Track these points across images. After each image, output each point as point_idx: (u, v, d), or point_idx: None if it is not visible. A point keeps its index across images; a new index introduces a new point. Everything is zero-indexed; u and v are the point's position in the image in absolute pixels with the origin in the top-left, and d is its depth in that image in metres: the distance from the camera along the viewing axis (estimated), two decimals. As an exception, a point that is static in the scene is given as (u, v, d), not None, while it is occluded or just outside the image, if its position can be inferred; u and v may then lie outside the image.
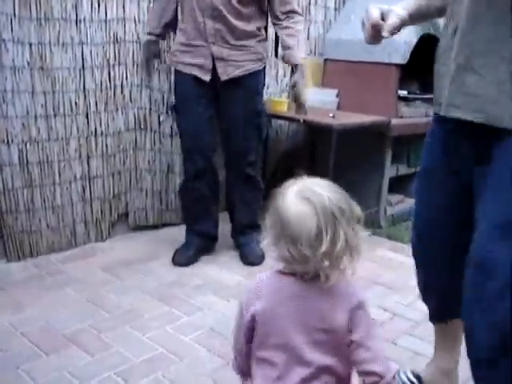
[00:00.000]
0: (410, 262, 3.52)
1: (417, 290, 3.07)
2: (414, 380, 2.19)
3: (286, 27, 3.17)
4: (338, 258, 1.37)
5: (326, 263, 1.35)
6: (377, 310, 2.91)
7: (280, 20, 3.17)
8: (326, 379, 1.42)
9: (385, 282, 3.26)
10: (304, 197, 1.37)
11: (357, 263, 1.42)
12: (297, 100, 3.31)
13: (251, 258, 3.34)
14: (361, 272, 3.31)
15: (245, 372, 1.58)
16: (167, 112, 3.60)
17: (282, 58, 3.31)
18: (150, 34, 3.32)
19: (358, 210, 1.45)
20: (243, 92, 3.15)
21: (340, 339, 1.41)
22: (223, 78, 3.08)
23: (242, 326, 1.50)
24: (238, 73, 3.10)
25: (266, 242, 1.43)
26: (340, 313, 1.40)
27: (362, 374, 1.41)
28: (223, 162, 3.41)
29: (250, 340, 1.49)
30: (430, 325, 2.75)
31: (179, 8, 3.15)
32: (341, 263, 1.39)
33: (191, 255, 3.36)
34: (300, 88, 3.24)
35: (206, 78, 3.10)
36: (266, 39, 3.27)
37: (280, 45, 3.28)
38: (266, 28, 3.28)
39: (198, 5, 2.99)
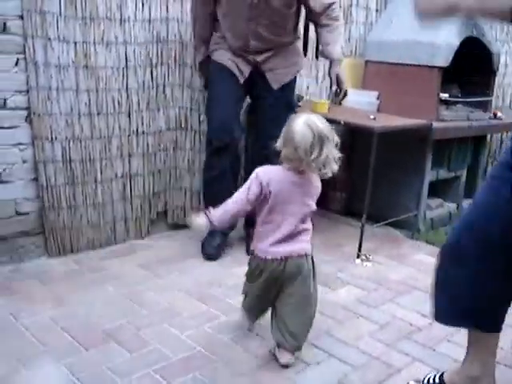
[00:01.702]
0: (449, 267, 3.51)
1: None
2: None
3: (326, 25, 3.26)
4: (320, 164, 2.18)
5: (313, 165, 2.19)
6: (415, 315, 2.88)
7: (320, 16, 3.25)
8: (305, 225, 2.37)
9: (423, 287, 3.21)
10: (307, 123, 2.18)
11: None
12: (339, 86, 3.40)
13: None
14: (399, 276, 3.35)
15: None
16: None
17: (321, 54, 3.39)
18: (201, 59, 3.43)
19: (336, 138, 2.22)
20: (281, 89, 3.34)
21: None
22: (276, 86, 3.31)
23: (256, 193, 2.25)
24: (286, 80, 3.35)
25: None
26: (316, 195, 2.37)
27: None
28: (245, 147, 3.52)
29: (254, 203, 2.28)
30: (471, 331, 2.73)
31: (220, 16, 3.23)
32: (321, 168, 2.20)
33: (218, 244, 3.40)
34: (341, 76, 3.36)
35: (241, 79, 3.28)
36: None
37: (320, 41, 3.36)
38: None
39: (242, 16, 3.10)
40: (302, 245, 2.34)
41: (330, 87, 3.34)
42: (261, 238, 2.34)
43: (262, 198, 2.26)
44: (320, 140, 2.15)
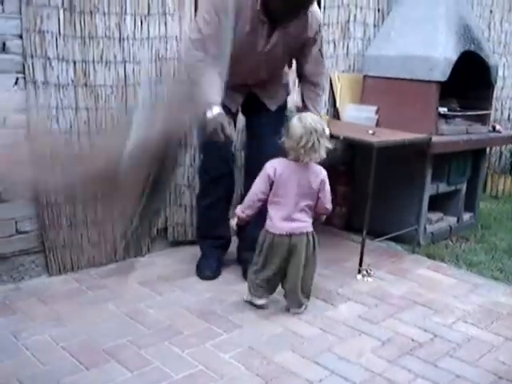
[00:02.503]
0: (449, 281, 3.54)
1: (457, 311, 3.06)
2: None
3: (312, 93, 3.36)
4: (310, 151, 2.76)
5: (302, 151, 2.76)
6: (417, 331, 2.88)
7: (308, 84, 3.34)
8: (306, 208, 2.90)
9: (425, 301, 3.21)
10: (299, 119, 2.80)
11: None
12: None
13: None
14: (400, 291, 3.35)
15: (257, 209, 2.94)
16: None
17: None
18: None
19: (327, 131, 2.82)
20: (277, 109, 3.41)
21: (314, 194, 2.90)
22: (273, 108, 3.38)
23: (267, 182, 2.85)
24: (282, 101, 3.43)
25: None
26: (316, 182, 2.88)
27: (317, 213, 3.00)
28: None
29: (269, 192, 2.86)
30: (472, 347, 2.74)
31: None
32: (312, 155, 2.78)
33: (215, 265, 3.40)
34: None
35: (233, 108, 3.29)
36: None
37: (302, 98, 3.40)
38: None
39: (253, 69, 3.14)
40: (302, 224, 2.89)
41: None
42: (271, 217, 2.89)
43: (271, 184, 2.86)
44: (308, 132, 2.74)
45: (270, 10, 2.91)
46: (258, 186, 2.89)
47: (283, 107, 3.47)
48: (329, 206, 2.98)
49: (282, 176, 2.84)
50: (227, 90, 3.18)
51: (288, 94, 3.55)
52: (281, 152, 2.91)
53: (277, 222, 2.87)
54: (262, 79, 3.27)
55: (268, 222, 2.90)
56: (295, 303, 2.98)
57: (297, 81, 3.55)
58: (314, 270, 3.02)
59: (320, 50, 3.27)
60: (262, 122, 3.36)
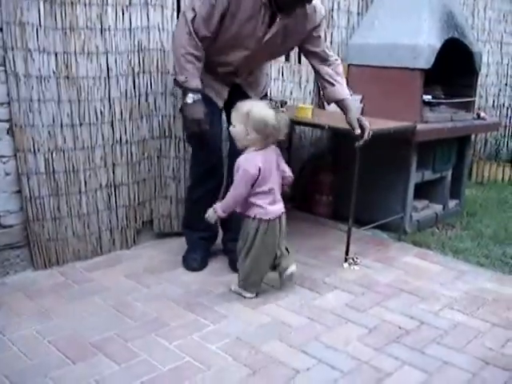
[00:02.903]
0: (436, 268, 3.56)
1: (443, 298, 3.07)
2: None
3: (330, 64, 3.28)
4: (277, 135, 2.87)
5: (271, 138, 2.87)
6: (403, 318, 2.88)
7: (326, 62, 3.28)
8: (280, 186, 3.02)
9: (411, 289, 3.22)
10: (259, 109, 2.82)
11: None
12: (363, 132, 3.26)
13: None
14: (387, 279, 3.35)
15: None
16: None
17: (328, 97, 3.37)
18: (196, 91, 3.00)
19: (273, 127, 2.82)
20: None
21: (280, 170, 3.02)
22: (255, 99, 3.24)
23: (251, 183, 2.86)
24: (264, 91, 3.47)
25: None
26: (279, 159, 3.00)
27: (283, 186, 3.08)
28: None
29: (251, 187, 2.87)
30: (459, 333, 2.76)
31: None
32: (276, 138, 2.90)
33: (200, 257, 3.39)
34: (363, 121, 3.28)
35: (220, 104, 3.27)
36: None
37: (324, 81, 3.31)
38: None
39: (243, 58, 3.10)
40: (282, 202, 3.03)
41: (353, 133, 3.26)
42: (260, 205, 2.91)
43: (254, 181, 2.87)
44: (272, 117, 2.80)
45: None
46: (242, 189, 2.87)
47: (264, 98, 3.44)
48: (291, 173, 3.10)
49: (264, 170, 2.87)
50: (213, 82, 3.18)
51: (268, 85, 3.55)
52: None
53: (269, 208, 2.92)
54: (252, 68, 3.25)
55: (259, 211, 2.91)
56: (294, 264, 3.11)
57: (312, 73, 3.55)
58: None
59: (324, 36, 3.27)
60: None
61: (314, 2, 3.00)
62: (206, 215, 2.96)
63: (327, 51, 3.27)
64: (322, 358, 2.49)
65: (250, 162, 2.85)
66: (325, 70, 3.26)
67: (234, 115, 2.88)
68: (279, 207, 2.98)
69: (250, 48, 3.05)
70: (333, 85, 3.27)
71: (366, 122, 3.26)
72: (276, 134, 2.86)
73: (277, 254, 3.04)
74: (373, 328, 2.78)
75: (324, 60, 3.26)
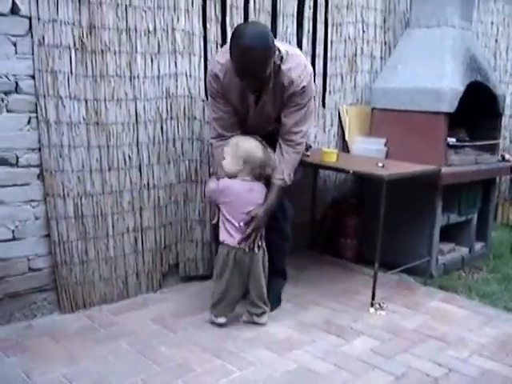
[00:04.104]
0: (463, 313, 3.51)
1: (471, 344, 3.02)
2: None
3: (287, 152, 3.20)
4: (248, 171, 3.03)
5: (258, 170, 3.03)
6: (431, 365, 2.85)
7: (283, 141, 3.21)
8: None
9: (438, 335, 3.18)
10: (252, 145, 3.03)
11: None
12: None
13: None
14: (414, 325, 3.32)
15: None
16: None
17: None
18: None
19: (259, 159, 3.02)
20: None
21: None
22: None
23: (218, 199, 3.08)
24: None
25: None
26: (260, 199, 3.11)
27: None
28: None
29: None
30: (488, 381, 2.70)
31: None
32: (250, 173, 3.04)
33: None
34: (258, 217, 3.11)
35: None
36: None
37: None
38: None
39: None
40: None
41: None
42: (229, 231, 3.06)
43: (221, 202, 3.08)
44: (261, 152, 3.02)
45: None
46: (208, 193, 3.19)
47: None
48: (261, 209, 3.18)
49: (234, 199, 3.08)
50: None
51: None
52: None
53: (237, 238, 3.06)
54: (269, 130, 3.30)
55: (230, 238, 3.07)
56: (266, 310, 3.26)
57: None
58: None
59: (304, 108, 3.14)
60: None
61: (292, 75, 3.02)
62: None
63: (296, 130, 3.17)
64: (349, 406, 2.46)
65: (222, 181, 3.08)
66: (284, 149, 3.20)
67: (225, 149, 3.08)
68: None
69: (252, 119, 3.22)
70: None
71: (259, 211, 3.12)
72: (261, 166, 3.03)
73: (249, 285, 3.13)
74: (400, 375, 2.74)
75: (288, 139, 3.19)
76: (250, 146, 3.04)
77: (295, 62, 3.05)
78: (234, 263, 3.06)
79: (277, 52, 2.95)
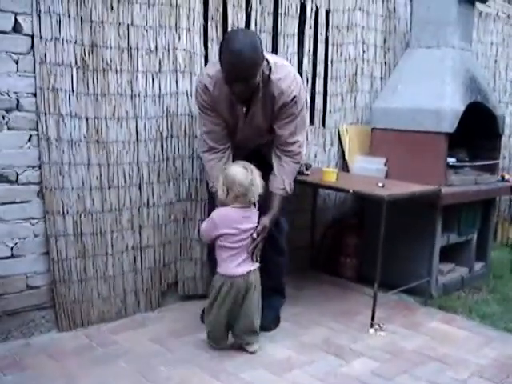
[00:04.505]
0: (462, 334, 3.50)
1: (472, 365, 3.00)
2: None
3: (285, 162, 3.21)
4: (233, 199, 2.98)
5: (250, 194, 2.97)
6: (432, 387, 2.83)
7: (280, 151, 3.22)
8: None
9: (438, 356, 3.17)
10: (237, 171, 2.97)
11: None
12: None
13: (266, 323, 3.29)
14: (413, 345, 3.30)
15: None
16: None
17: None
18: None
19: (241, 187, 2.94)
20: None
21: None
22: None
23: (215, 232, 3.02)
24: None
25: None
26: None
27: None
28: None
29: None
30: (490, 405, 2.68)
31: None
32: (237, 201, 2.99)
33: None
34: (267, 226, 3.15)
35: None
36: None
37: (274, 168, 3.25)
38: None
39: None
40: (252, 264, 3.07)
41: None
42: (225, 261, 3.04)
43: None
44: (248, 177, 2.96)
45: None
46: (206, 231, 3.10)
47: None
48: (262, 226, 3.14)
49: (230, 227, 3.05)
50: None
51: None
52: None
53: (233, 268, 3.03)
54: (260, 143, 3.31)
55: (225, 269, 3.04)
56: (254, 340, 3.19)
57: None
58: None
59: (298, 118, 3.15)
60: None
61: (282, 86, 3.02)
62: None
63: (292, 140, 3.18)
64: (349, 428, 2.44)
65: (215, 212, 3.06)
66: (283, 159, 3.21)
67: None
68: (243, 269, 3.02)
69: (243, 131, 3.21)
70: (274, 175, 3.22)
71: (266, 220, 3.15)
72: (244, 192, 2.95)
73: (240, 315, 3.06)
74: (400, 397, 2.73)
75: (285, 150, 3.20)
76: (233, 173, 2.97)
77: (284, 72, 3.06)
78: (228, 293, 3.00)
79: (265, 62, 2.96)
